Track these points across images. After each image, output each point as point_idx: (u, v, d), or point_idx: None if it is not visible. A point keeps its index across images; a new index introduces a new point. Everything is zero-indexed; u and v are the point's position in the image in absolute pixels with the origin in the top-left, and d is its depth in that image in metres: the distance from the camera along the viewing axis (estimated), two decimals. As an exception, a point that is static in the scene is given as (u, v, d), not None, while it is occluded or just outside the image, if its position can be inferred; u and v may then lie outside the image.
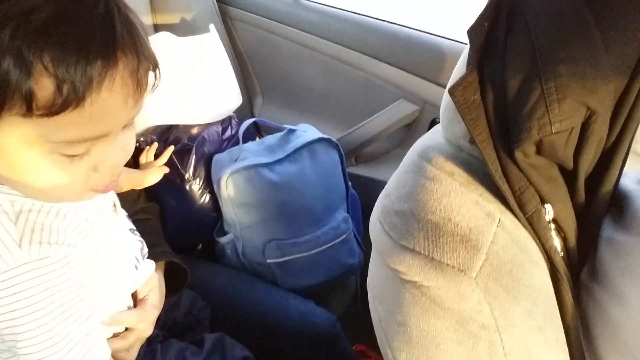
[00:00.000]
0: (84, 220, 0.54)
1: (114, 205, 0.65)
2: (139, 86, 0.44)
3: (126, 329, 0.69)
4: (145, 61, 0.45)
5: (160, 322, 0.85)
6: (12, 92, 0.37)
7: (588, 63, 0.41)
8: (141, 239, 0.71)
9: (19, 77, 0.37)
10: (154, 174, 1.00)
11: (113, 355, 0.63)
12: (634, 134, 0.46)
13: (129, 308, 0.70)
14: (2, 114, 0.39)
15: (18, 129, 0.40)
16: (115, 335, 0.67)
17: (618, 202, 0.49)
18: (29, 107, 0.38)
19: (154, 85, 0.48)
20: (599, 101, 0.42)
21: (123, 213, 0.69)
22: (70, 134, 0.41)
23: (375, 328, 0.54)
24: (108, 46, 0.40)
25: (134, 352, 0.71)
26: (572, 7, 0.41)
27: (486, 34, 0.46)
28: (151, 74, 0.47)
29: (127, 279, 0.66)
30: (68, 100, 0.38)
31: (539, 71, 0.41)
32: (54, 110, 0.38)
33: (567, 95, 0.41)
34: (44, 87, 0.37)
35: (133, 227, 0.71)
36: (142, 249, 0.70)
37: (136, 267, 0.67)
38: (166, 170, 1.05)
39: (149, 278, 0.74)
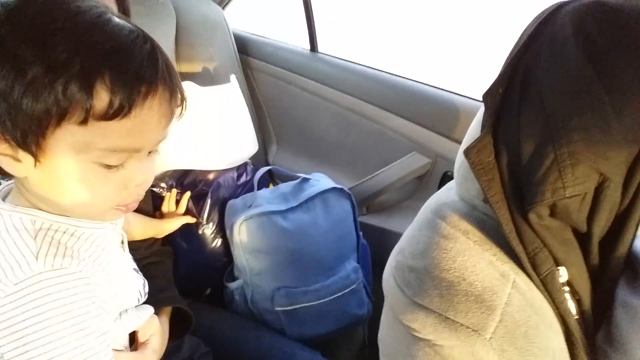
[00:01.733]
0: (96, 246, 0.58)
1: (122, 242, 0.68)
2: (171, 110, 0.54)
3: None
4: (178, 91, 0.54)
5: None
6: (75, 106, 0.45)
7: (600, 131, 0.42)
8: (143, 278, 0.72)
9: (84, 94, 0.45)
10: (173, 222, 1.07)
11: None
12: (647, 198, 0.47)
13: (125, 348, 0.69)
14: (62, 122, 0.46)
15: (71, 137, 0.47)
16: None
17: (632, 265, 0.49)
18: (87, 115, 0.46)
19: (180, 114, 0.56)
20: (611, 167, 0.43)
21: (129, 252, 0.71)
22: (113, 142, 0.49)
23: (385, 385, 0.53)
24: (153, 73, 0.50)
25: None
26: (584, 76, 0.43)
27: (501, 99, 0.48)
28: (179, 108, 0.56)
29: (126, 315, 0.66)
30: (119, 109, 0.47)
31: (552, 137, 0.43)
32: (107, 116, 0.47)
33: (580, 161, 0.42)
34: (101, 99, 0.46)
35: (137, 267, 0.72)
36: (144, 286, 0.71)
37: (138, 300, 0.68)
38: (189, 220, 1.11)
39: (152, 322, 0.74)
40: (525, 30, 0.50)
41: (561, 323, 0.46)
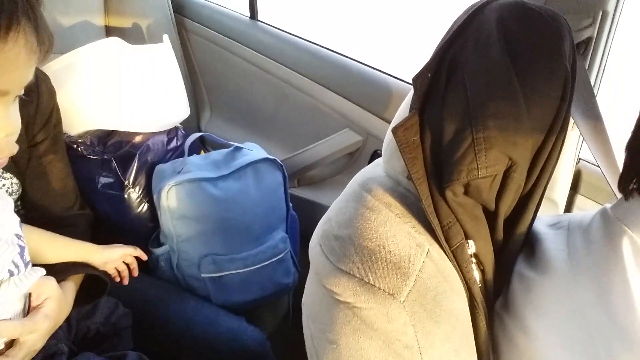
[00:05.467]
0: None
1: None
2: (41, 44, 0.49)
3: (13, 341, 0.63)
4: (44, 27, 0.50)
5: (72, 331, 0.81)
6: None
7: (512, 119, 0.47)
8: (22, 244, 0.65)
9: None
10: (115, 249, 0.93)
11: None
12: (548, 183, 0.53)
13: (16, 316, 0.64)
14: None
15: None
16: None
17: (531, 242, 0.55)
18: None
19: (47, 52, 0.51)
20: (519, 153, 0.48)
21: (9, 215, 0.65)
22: None
23: (306, 345, 0.56)
24: (12, 5, 0.45)
25: None
26: (502, 68, 0.48)
27: (429, 83, 0.51)
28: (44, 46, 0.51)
29: (2, 285, 0.61)
30: None
31: (471, 122, 0.47)
32: None
33: (493, 145, 0.47)
34: None
35: (20, 232, 0.66)
36: (21, 254, 0.64)
37: (12, 273, 0.62)
38: (133, 252, 0.96)
39: (46, 284, 0.69)
40: (456, 21, 0.54)
41: (466, 290, 0.52)
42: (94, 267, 0.86)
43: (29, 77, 0.50)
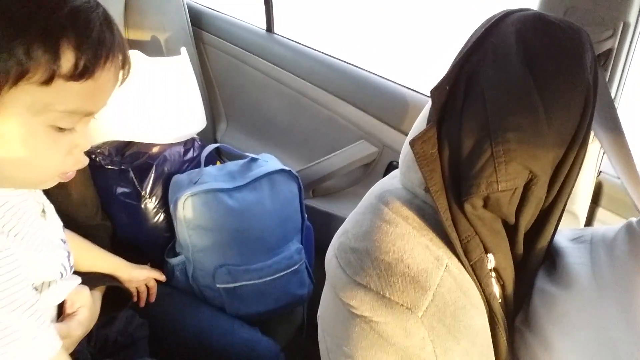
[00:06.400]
0: (11, 215, 0.56)
1: (43, 211, 0.65)
2: (123, 73, 0.56)
3: None
4: (127, 57, 0.56)
5: (92, 339, 0.83)
6: (38, 66, 0.45)
7: (533, 132, 0.46)
8: (68, 250, 0.69)
9: (50, 54, 0.46)
10: (142, 270, 0.99)
11: None
12: (569, 196, 0.52)
13: (51, 321, 0.68)
14: (20, 82, 0.46)
15: (29, 97, 0.47)
16: None
17: (552, 256, 0.54)
18: (53, 75, 0.46)
19: (122, 81, 0.57)
20: (539, 166, 0.47)
21: (55, 221, 0.69)
22: (73, 104, 0.50)
23: (322, 358, 0.56)
24: (111, 38, 0.51)
25: None
26: (521, 81, 0.47)
27: (447, 95, 0.51)
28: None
29: (50, 287, 0.64)
30: (85, 69, 0.48)
31: (490, 135, 0.46)
32: (73, 78, 0.47)
33: (513, 158, 0.46)
34: (68, 60, 0.47)
35: (64, 237, 0.70)
36: (69, 258, 0.69)
37: (62, 275, 0.66)
38: (158, 276, 1.02)
39: (81, 294, 0.73)
40: (473, 34, 0.54)
41: (486, 305, 0.51)
42: (120, 282, 0.89)
43: (108, 100, 0.56)
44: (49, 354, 0.55)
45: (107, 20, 0.52)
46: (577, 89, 0.48)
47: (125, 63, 0.55)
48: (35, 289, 0.61)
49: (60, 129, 0.51)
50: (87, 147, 0.57)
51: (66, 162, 0.54)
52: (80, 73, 0.48)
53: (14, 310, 0.51)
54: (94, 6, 0.51)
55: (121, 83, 0.57)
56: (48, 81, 0.46)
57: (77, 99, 0.50)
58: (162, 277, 1.02)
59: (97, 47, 0.49)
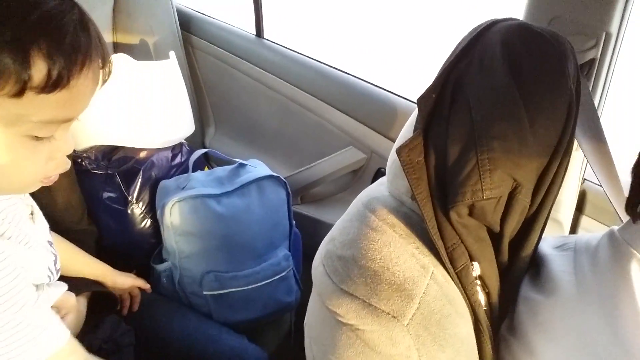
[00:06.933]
0: (1, 219, 0.56)
1: (32, 214, 0.65)
2: (103, 76, 0.53)
3: None
4: (107, 57, 0.53)
5: None
6: (8, 77, 0.43)
7: (517, 141, 0.47)
8: (55, 253, 0.70)
9: (19, 65, 0.43)
10: (127, 278, 0.98)
11: None
12: (553, 204, 0.52)
13: None
14: None
15: (1, 109, 0.45)
16: None
17: (536, 264, 0.55)
18: (24, 87, 0.44)
19: (105, 81, 0.55)
20: (524, 175, 0.48)
21: (42, 223, 0.69)
22: (50, 113, 0.47)
23: (308, 367, 0.55)
24: (87, 42, 0.49)
25: None
26: (506, 90, 0.48)
27: (434, 104, 0.51)
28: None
29: (39, 292, 0.64)
30: (59, 79, 0.45)
31: (476, 143, 0.47)
32: (47, 89, 0.45)
33: (498, 167, 0.47)
34: (39, 70, 0.44)
35: (51, 239, 0.70)
36: (55, 262, 0.69)
37: (49, 279, 0.66)
38: (142, 285, 1.01)
39: (67, 300, 0.73)
40: (460, 42, 0.54)
41: (471, 313, 0.51)
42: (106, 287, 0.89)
43: (87, 105, 0.53)
44: (59, 344, 0.57)
45: (82, 21, 0.49)
46: (561, 98, 0.48)
47: (105, 64, 0.53)
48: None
49: (38, 138, 0.49)
50: (70, 151, 0.55)
51: (47, 167, 0.53)
52: (54, 83, 0.45)
53: (20, 309, 0.52)
54: (67, 8, 0.48)
55: (102, 84, 0.55)
56: (19, 93, 0.44)
57: (53, 109, 0.48)
58: (146, 286, 1.01)
59: (72, 54, 0.46)
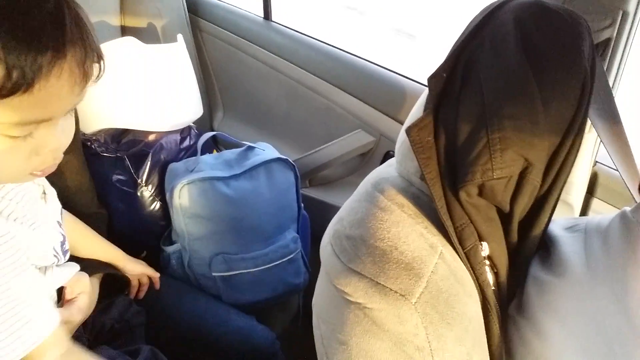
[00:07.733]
0: (9, 200, 0.55)
1: (44, 192, 0.65)
2: (85, 76, 0.48)
3: None
4: (92, 53, 0.48)
5: (89, 325, 0.84)
6: None
7: (528, 120, 0.46)
8: (63, 234, 0.69)
9: None
10: (137, 264, 0.97)
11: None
12: (563, 185, 0.52)
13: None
14: None
15: None
16: None
17: (546, 245, 0.55)
18: None
19: (98, 76, 0.50)
20: (535, 155, 0.47)
21: (54, 203, 0.68)
22: (16, 116, 0.44)
23: (316, 346, 0.56)
24: (58, 38, 0.43)
25: None
26: (519, 69, 0.47)
27: (444, 83, 0.50)
28: (96, 66, 0.50)
29: (47, 274, 0.65)
30: (17, 85, 0.41)
31: (487, 122, 0.46)
32: (3, 93, 0.41)
33: (509, 146, 0.46)
34: None
35: (60, 220, 0.70)
36: (63, 243, 0.68)
37: (56, 259, 0.66)
38: (152, 273, 1.00)
39: (80, 280, 0.73)
40: (471, 22, 0.53)
41: (479, 292, 0.51)
42: (114, 268, 0.90)
43: (74, 102, 0.49)
44: (50, 328, 0.57)
45: (56, 12, 0.43)
46: (575, 77, 0.48)
47: (89, 56, 0.47)
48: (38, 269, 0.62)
49: (13, 137, 0.46)
50: (59, 146, 0.52)
51: (31, 162, 0.50)
52: (13, 87, 0.41)
53: (18, 289, 0.51)
54: None
55: (97, 79, 0.50)
56: None
57: (21, 112, 0.43)
58: (155, 275, 1.00)
59: (35, 53, 0.41)
